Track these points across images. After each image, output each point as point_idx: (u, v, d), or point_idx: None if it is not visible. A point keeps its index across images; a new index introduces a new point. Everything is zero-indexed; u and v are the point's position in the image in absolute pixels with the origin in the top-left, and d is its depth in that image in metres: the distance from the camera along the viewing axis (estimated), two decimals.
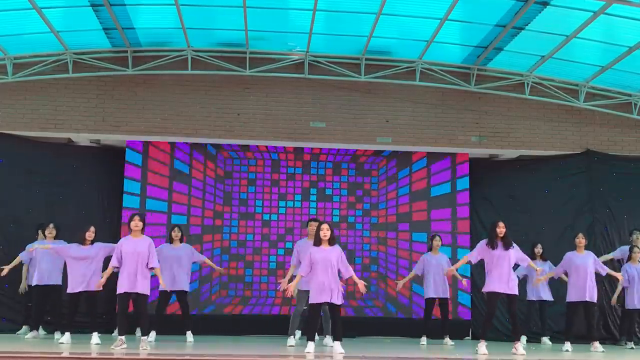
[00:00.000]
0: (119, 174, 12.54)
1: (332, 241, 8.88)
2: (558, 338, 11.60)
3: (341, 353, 8.46)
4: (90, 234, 10.01)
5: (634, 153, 13.09)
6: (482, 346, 9.23)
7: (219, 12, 11.24)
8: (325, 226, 8.88)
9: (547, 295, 11.79)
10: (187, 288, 10.98)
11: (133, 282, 8.88)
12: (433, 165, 13.10)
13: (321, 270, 8.74)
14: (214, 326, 12.02)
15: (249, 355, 8.57)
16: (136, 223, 9.03)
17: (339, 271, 8.92)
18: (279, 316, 12.32)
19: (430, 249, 11.55)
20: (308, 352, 8.48)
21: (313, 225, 9.70)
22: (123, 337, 8.82)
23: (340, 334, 8.75)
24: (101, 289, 9.73)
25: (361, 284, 8.95)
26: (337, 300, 8.76)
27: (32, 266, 10.99)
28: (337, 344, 8.66)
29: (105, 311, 11.63)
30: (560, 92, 12.96)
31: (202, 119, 12.40)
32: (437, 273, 11.23)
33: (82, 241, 9.99)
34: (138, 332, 10.82)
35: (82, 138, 12.52)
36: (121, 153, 12.62)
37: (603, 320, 12.42)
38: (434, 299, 11.28)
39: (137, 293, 8.97)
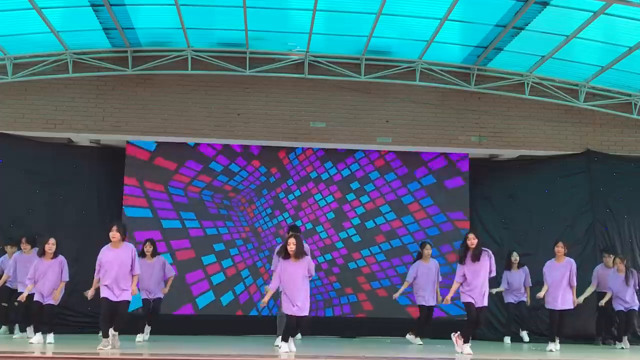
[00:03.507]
0: (119, 174, 12.54)
1: (299, 254, 8.93)
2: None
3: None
4: (50, 246, 9.87)
5: (634, 153, 13.08)
6: (467, 347, 9.30)
7: (219, 12, 11.24)
8: (292, 240, 8.94)
9: (522, 297, 11.94)
10: (161, 295, 10.91)
11: (115, 290, 8.79)
12: (433, 165, 13.10)
13: (287, 284, 8.89)
14: (214, 326, 12.04)
15: (249, 355, 8.59)
16: (113, 234, 8.86)
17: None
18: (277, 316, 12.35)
19: (420, 257, 11.42)
20: (285, 352, 8.61)
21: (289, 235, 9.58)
22: (108, 339, 8.75)
23: (303, 331, 8.91)
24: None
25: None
26: (301, 312, 8.90)
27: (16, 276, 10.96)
28: (298, 335, 8.92)
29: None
30: (560, 92, 12.95)
31: (202, 119, 12.40)
32: (427, 282, 11.18)
33: (42, 253, 9.89)
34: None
35: (82, 138, 12.52)
36: (121, 153, 12.63)
37: (603, 320, 12.40)
38: (425, 306, 11.26)
39: (118, 301, 8.88)
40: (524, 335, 11.88)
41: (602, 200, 12.95)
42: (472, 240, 9.36)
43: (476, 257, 9.32)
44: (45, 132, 12.24)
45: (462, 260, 9.40)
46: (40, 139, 12.42)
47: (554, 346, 10.38)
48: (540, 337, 11.95)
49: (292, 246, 8.92)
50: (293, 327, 9.07)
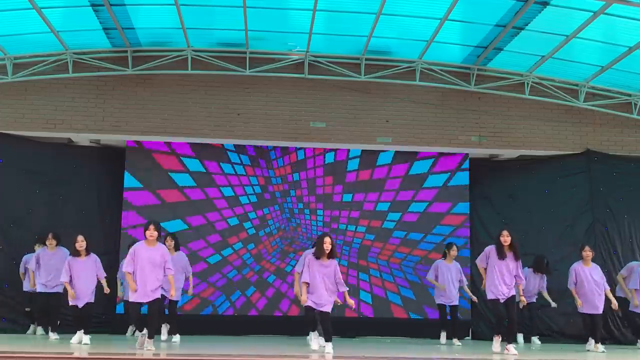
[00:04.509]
0: (119, 174, 12.54)
1: (332, 254, 8.99)
2: (556, 338, 11.74)
3: (329, 353, 8.61)
4: (80, 244, 9.86)
5: (634, 153, 13.08)
6: (497, 343, 9.42)
7: (219, 12, 11.24)
8: (327, 239, 8.98)
9: (531, 298, 11.91)
10: (179, 298, 10.76)
11: (147, 291, 8.73)
12: (433, 165, 13.09)
13: (319, 282, 8.90)
14: (213, 326, 12.04)
15: (249, 355, 8.57)
16: (151, 232, 8.79)
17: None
18: (279, 317, 12.36)
19: (444, 257, 11.50)
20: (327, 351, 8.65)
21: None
22: (143, 331, 8.72)
23: (330, 335, 8.89)
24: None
25: (351, 303, 9.10)
26: (327, 308, 8.94)
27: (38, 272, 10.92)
28: (329, 345, 8.82)
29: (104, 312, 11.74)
30: (560, 92, 12.95)
31: (202, 119, 12.40)
32: (449, 281, 11.25)
33: (75, 252, 9.88)
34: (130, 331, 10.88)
35: (82, 138, 12.52)
36: (121, 153, 12.63)
37: (603, 319, 12.40)
38: (444, 305, 11.35)
39: (152, 300, 8.86)
40: (535, 339, 11.85)
41: (602, 200, 12.95)
42: (506, 238, 9.30)
43: (517, 255, 9.29)
44: (45, 132, 12.24)
45: (501, 256, 9.31)
46: (40, 139, 12.42)
47: (600, 346, 10.37)
48: (542, 337, 11.98)
49: (328, 245, 8.91)
50: (312, 317, 9.04)
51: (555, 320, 12.43)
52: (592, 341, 10.50)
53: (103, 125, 12.26)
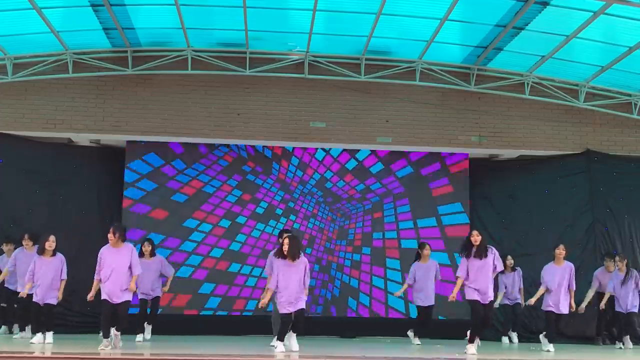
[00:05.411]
0: (119, 174, 12.55)
1: (294, 255, 9.04)
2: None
3: (296, 350, 8.91)
4: (50, 244, 9.92)
5: (634, 153, 13.08)
6: (471, 347, 9.33)
7: (218, 12, 11.24)
8: (285, 241, 9.07)
9: (517, 299, 12.05)
10: (159, 294, 11.08)
11: (116, 291, 8.83)
12: (432, 165, 13.10)
13: (284, 283, 8.99)
14: (214, 326, 12.05)
15: (249, 355, 8.59)
16: (110, 236, 8.92)
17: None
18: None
19: (419, 258, 11.37)
20: (281, 351, 8.74)
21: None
22: (108, 339, 8.79)
23: (300, 329, 9.13)
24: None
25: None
26: (301, 305, 9.05)
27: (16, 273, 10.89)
28: (293, 336, 9.05)
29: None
30: (560, 92, 12.95)
31: (202, 119, 12.40)
32: (425, 282, 11.16)
33: (42, 251, 9.92)
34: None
35: (82, 138, 12.52)
36: (121, 153, 12.64)
37: (603, 320, 12.40)
38: (421, 306, 11.23)
39: (119, 302, 8.93)
40: (513, 336, 12.01)
41: (602, 200, 12.95)
42: (476, 237, 9.34)
43: (481, 254, 9.32)
44: (45, 132, 12.24)
45: (467, 255, 9.38)
46: (40, 139, 12.42)
47: (551, 347, 10.40)
48: (537, 335, 11.98)
49: (285, 247, 9.02)
50: (288, 325, 9.10)
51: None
52: (545, 340, 10.48)
53: (103, 125, 12.27)
